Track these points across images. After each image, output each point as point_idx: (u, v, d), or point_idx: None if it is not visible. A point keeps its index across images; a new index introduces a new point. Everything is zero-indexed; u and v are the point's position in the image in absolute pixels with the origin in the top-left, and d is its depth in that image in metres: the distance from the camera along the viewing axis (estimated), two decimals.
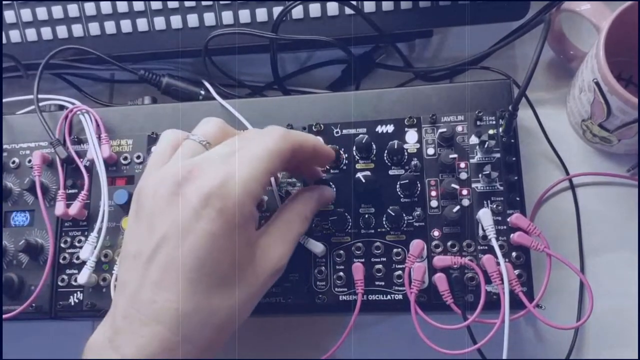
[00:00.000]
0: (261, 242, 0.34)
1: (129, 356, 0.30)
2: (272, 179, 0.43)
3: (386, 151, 0.43)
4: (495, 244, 0.39)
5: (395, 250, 0.42)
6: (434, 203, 0.42)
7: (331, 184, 0.43)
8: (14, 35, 0.53)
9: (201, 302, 0.31)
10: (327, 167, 0.44)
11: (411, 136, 0.44)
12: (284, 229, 0.36)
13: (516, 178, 0.41)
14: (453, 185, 0.41)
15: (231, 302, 0.32)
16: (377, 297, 0.41)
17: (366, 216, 0.42)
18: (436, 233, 0.42)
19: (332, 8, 0.48)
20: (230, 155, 0.33)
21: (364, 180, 0.42)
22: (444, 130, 0.42)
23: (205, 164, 0.33)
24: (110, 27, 0.51)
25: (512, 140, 0.42)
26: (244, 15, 0.49)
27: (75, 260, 0.45)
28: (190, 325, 0.31)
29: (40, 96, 0.48)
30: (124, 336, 0.31)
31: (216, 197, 0.31)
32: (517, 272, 0.40)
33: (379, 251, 0.42)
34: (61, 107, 0.50)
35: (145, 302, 0.31)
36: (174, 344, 0.30)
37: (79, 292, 0.44)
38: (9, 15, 0.52)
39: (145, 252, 0.32)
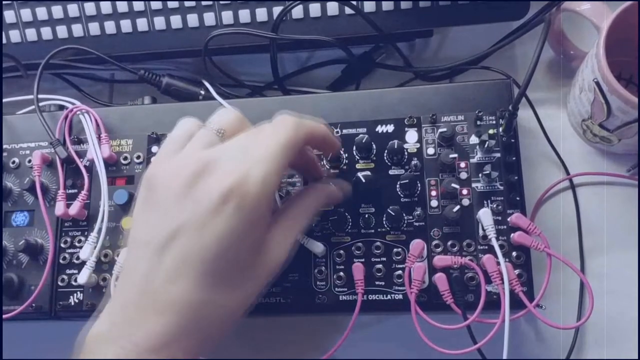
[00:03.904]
0: (268, 236, 0.34)
1: (143, 344, 0.30)
2: None
3: (386, 151, 0.43)
4: (495, 243, 0.39)
5: (395, 250, 0.42)
6: (434, 203, 0.42)
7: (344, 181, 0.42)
8: (14, 35, 0.53)
9: (211, 296, 0.31)
10: (327, 166, 0.44)
11: (411, 136, 0.44)
12: (291, 224, 0.36)
13: (516, 178, 0.41)
14: (453, 185, 0.41)
15: (237, 297, 0.33)
16: (377, 297, 0.41)
17: (366, 216, 0.42)
18: (436, 233, 0.42)
19: (332, 8, 0.48)
20: (247, 150, 0.33)
21: (364, 180, 0.42)
22: (444, 130, 0.42)
23: (223, 158, 0.33)
24: (110, 27, 0.51)
25: (512, 140, 0.42)
26: (244, 15, 0.49)
27: (75, 260, 0.45)
28: (201, 317, 0.31)
29: (40, 96, 0.48)
30: (136, 325, 0.30)
31: (235, 195, 0.31)
32: (517, 271, 0.40)
33: (379, 251, 0.42)
34: (61, 107, 0.50)
35: (159, 292, 0.31)
36: (184, 334, 0.31)
37: (79, 292, 0.44)
38: (9, 15, 0.52)
39: (159, 241, 0.31)
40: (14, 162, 0.48)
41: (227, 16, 0.49)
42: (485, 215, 0.40)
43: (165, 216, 0.32)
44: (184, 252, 0.31)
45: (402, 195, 0.43)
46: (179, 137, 0.35)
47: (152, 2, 0.50)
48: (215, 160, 0.32)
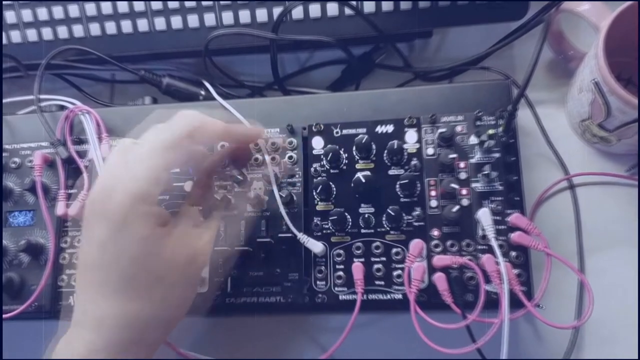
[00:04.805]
0: (174, 231, 0.34)
1: (73, 356, 0.32)
2: (272, 178, 0.42)
3: (386, 151, 0.43)
4: (494, 243, 0.39)
5: (394, 249, 0.42)
6: (433, 203, 0.42)
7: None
8: (15, 36, 0.53)
9: (115, 305, 0.32)
10: (327, 166, 0.44)
11: (411, 136, 0.44)
12: (191, 211, 0.36)
13: (515, 178, 0.41)
14: (452, 185, 0.41)
15: (149, 301, 0.33)
16: (377, 296, 0.41)
17: (366, 216, 0.42)
18: (436, 233, 0.42)
19: (332, 9, 0.48)
20: (122, 157, 0.34)
21: (364, 180, 0.42)
22: (444, 130, 0.42)
23: (104, 171, 0.34)
24: (110, 27, 0.51)
25: (512, 140, 0.42)
26: (244, 15, 0.49)
27: (75, 260, 0.45)
28: (110, 329, 0.32)
29: (41, 96, 0.48)
30: (70, 337, 0.33)
31: (99, 204, 0.32)
32: (516, 271, 0.40)
33: (379, 251, 0.42)
34: (62, 108, 0.50)
35: (75, 308, 0.33)
36: (97, 346, 0.32)
37: None
38: (10, 16, 0.53)
39: (79, 258, 0.34)
40: (14, 163, 0.48)
41: (227, 17, 0.49)
42: (484, 215, 0.40)
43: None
44: (80, 270, 0.33)
45: (401, 195, 0.43)
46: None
47: (152, 3, 0.50)
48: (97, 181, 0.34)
